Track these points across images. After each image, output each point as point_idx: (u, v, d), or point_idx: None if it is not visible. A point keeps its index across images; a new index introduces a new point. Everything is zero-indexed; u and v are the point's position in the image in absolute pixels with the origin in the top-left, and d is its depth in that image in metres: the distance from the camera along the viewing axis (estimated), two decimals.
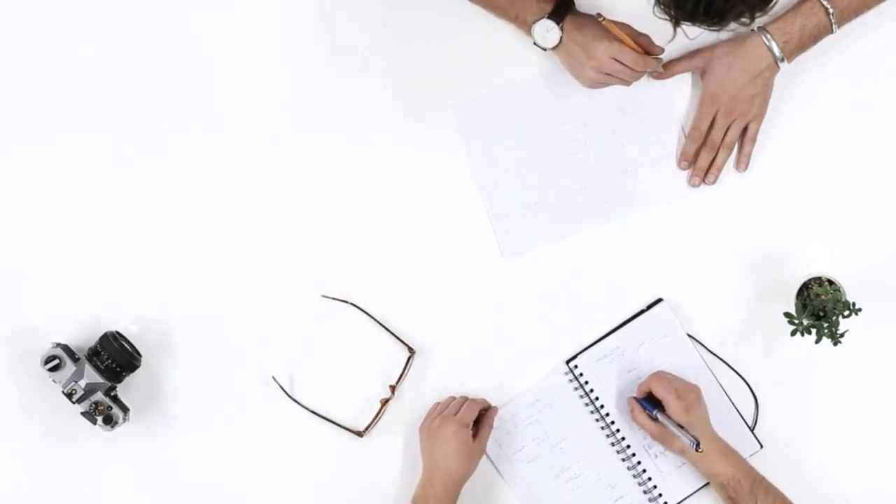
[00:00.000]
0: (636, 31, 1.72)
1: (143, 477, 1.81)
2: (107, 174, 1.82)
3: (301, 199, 1.82)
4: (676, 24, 1.40)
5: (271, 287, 1.81)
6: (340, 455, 1.80)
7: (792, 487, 1.77)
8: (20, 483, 1.81)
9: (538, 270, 1.81)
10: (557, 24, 1.71)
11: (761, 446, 1.79)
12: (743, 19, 1.39)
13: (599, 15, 1.68)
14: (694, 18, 1.38)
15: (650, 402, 1.74)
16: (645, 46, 1.73)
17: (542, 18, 1.71)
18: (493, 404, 1.79)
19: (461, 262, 1.81)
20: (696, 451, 1.66)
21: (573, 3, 1.73)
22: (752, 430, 1.79)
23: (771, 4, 1.41)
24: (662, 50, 1.74)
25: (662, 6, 1.39)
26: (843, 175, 1.80)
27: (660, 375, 1.74)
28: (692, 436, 1.66)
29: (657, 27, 1.44)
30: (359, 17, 1.82)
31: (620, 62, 1.70)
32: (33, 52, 1.83)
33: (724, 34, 1.75)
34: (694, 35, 1.46)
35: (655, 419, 1.72)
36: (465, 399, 1.78)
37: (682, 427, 1.68)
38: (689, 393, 1.71)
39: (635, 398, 1.76)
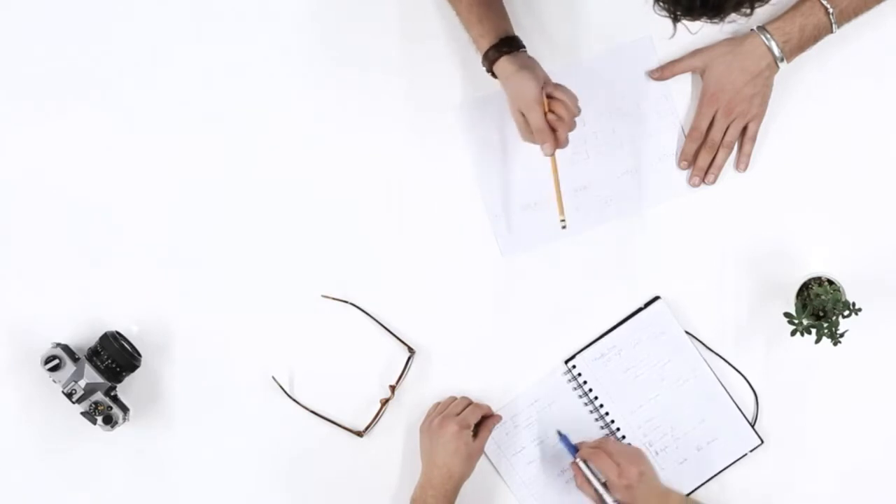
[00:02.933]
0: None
1: (143, 477, 1.81)
2: (106, 173, 1.82)
3: (301, 199, 1.82)
4: (676, 20, 1.39)
5: (271, 287, 1.81)
6: (340, 455, 1.80)
7: (792, 483, 1.78)
8: (20, 483, 1.81)
9: (537, 270, 1.81)
10: (487, 69, 1.70)
11: (762, 441, 1.79)
12: (744, 9, 1.36)
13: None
14: (692, 12, 1.36)
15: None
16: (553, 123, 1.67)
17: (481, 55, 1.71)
18: (495, 412, 1.79)
19: (461, 262, 1.81)
20: None
21: (507, 49, 1.69)
22: (752, 425, 1.79)
23: None
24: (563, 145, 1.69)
25: (662, 3, 1.38)
26: (842, 175, 1.80)
27: (603, 448, 1.72)
28: None
29: (658, 24, 1.43)
30: (360, 17, 1.81)
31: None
32: (28, 55, 1.83)
33: (723, 34, 1.75)
34: (696, 30, 1.44)
35: (603, 484, 1.72)
36: (467, 400, 1.78)
37: None
38: (632, 467, 1.68)
39: (578, 463, 1.74)
